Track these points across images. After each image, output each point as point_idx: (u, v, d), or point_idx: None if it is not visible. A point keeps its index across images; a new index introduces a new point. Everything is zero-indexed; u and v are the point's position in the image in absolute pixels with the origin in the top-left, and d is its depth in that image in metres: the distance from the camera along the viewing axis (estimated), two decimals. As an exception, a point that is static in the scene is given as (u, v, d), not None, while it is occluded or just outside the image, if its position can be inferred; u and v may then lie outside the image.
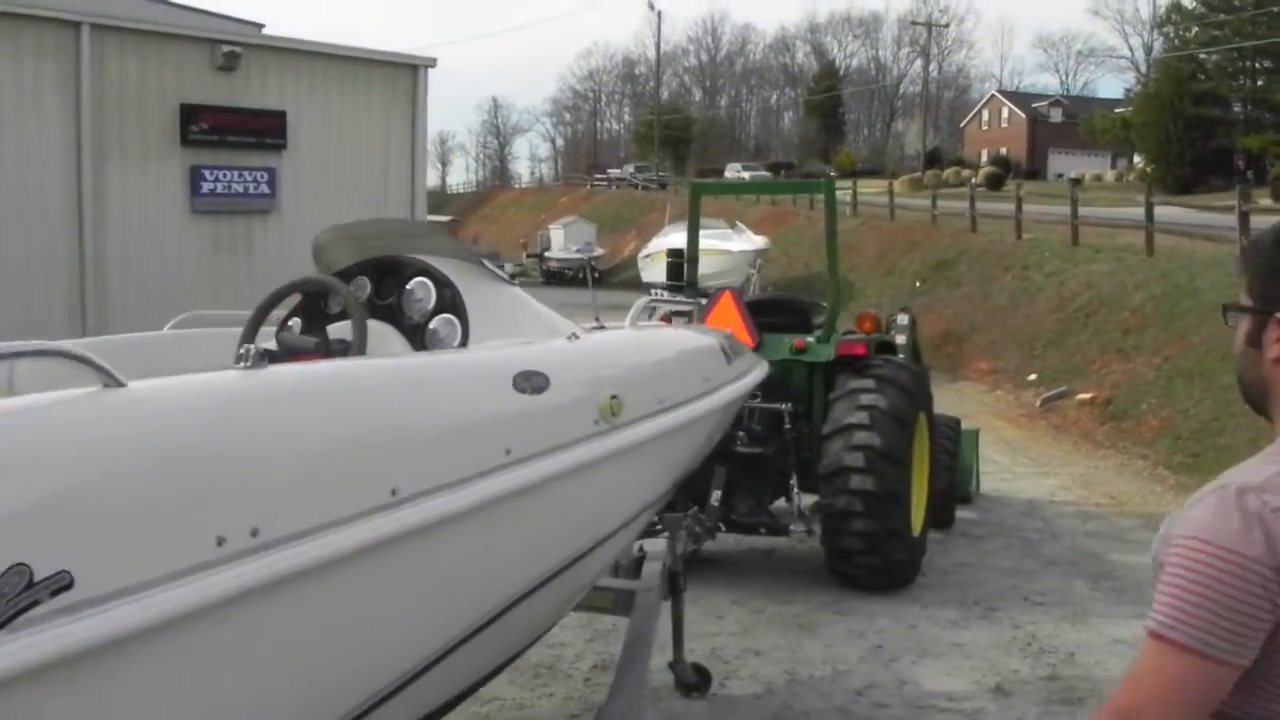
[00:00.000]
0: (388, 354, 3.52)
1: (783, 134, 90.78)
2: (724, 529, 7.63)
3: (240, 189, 22.00)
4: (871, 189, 39.11)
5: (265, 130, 22.12)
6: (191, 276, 20.05)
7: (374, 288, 3.75)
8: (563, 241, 48.76)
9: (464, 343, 3.49)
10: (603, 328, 4.15)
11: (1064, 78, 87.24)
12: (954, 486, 9.49)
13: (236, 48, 21.35)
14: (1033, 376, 17.20)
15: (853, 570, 7.67)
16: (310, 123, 22.76)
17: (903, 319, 9.53)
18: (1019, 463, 12.68)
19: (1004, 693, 6.08)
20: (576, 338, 3.56)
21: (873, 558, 7.51)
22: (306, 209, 23.02)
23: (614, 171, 67.45)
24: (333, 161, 23.23)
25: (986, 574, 8.30)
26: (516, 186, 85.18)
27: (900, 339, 9.37)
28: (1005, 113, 72.41)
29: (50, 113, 19.57)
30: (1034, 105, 71.98)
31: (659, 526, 6.68)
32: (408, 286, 3.66)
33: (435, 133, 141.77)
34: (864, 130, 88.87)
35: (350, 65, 23.41)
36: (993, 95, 76.72)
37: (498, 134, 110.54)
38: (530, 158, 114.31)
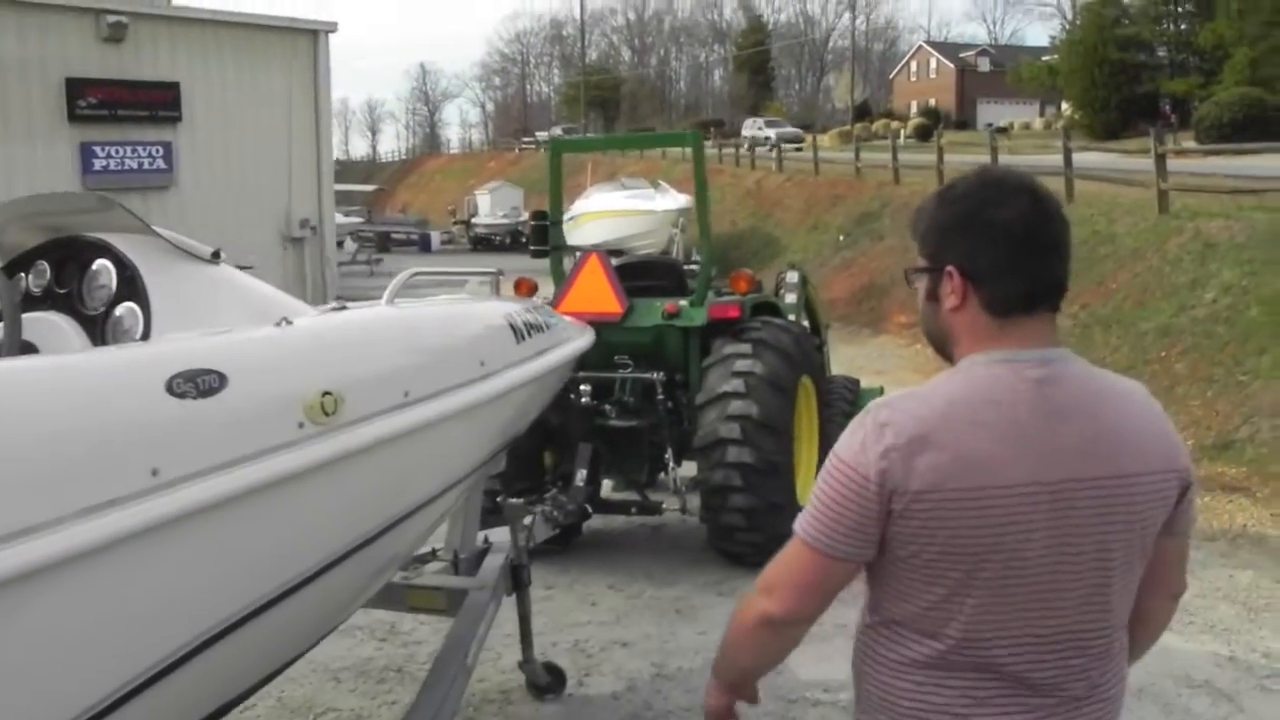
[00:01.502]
0: (63, 349, 2.96)
1: (713, 91, 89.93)
2: (591, 511, 7.10)
3: (134, 164, 21.13)
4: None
5: (158, 103, 21.27)
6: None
7: (54, 273, 3.17)
8: (489, 207, 48.16)
9: (146, 334, 2.92)
10: (344, 308, 3.58)
11: (991, 27, 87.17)
12: (853, 450, 9.02)
13: (123, 18, 20.44)
14: (951, 328, 16.83)
15: (735, 548, 7.18)
16: (206, 93, 21.93)
17: (792, 277, 9.02)
18: (932, 420, 12.26)
19: (882, 679, 5.62)
20: (289, 323, 2.99)
21: (755, 534, 7.03)
22: (206, 183, 22.20)
23: (542, 134, 66.38)
24: (232, 133, 22.37)
25: (882, 543, 7.84)
26: (446, 153, 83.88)
27: (790, 298, 8.88)
28: (934, 64, 71.98)
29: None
30: (962, 55, 71.57)
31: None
32: (91, 270, 3.08)
33: (364, 100, 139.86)
34: (795, 85, 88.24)
35: (245, 32, 22.54)
36: (920, 46, 76.27)
37: (426, 100, 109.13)
38: (461, 123, 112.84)
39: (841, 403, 9.03)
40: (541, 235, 8.21)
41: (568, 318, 5.74)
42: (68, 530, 2.16)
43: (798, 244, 27.12)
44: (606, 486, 7.95)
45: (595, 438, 7.33)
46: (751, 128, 54.44)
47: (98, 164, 20.50)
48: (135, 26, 20.82)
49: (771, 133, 49.97)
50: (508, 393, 3.82)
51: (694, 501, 7.30)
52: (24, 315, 3.05)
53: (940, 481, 1.94)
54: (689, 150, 35.22)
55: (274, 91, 22.95)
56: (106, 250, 3.06)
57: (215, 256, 3.24)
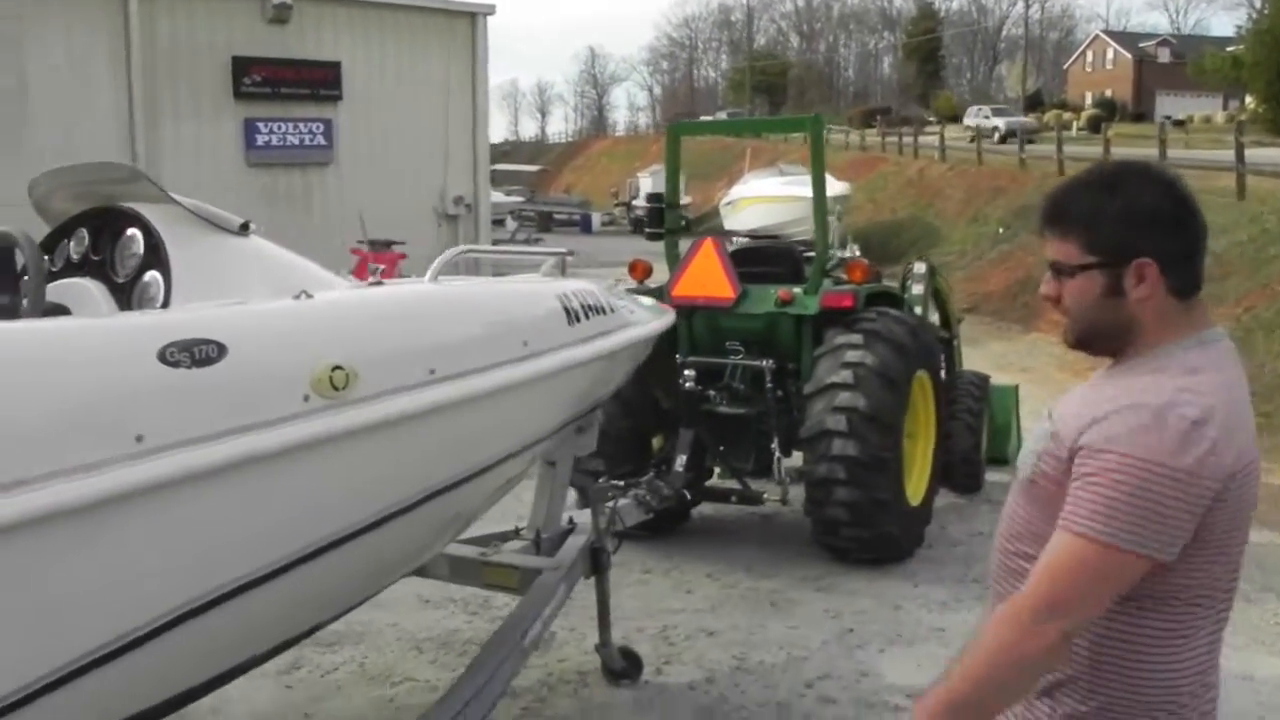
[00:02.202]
0: (92, 314, 2.98)
1: (882, 79, 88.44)
2: (689, 497, 6.98)
3: (296, 141, 21.72)
4: (961, 134, 37.54)
5: (320, 81, 21.81)
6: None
7: (91, 241, 3.21)
8: (651, 189, 48.22)
9: (166, 302, 2.92)
10: (380, 283, 3.54)
11: (1174, 16, 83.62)
12: (978, 449, 8.70)
13: (287, 0, 21.00)
14: (1106, 327, 16.19)
15: (838, 543, 6.99)
16: (366, 73, 22.40)
17: (919, 268, 8.74)
18: (1074, 421, 11.76)
19: (972, 688, 5.38)
20: (308, 297, 2.95)
21: (859, 529, 6.82)
22: (365, 160, 22.70)
23: (707, 119, 66.12)
24: (391, 112, 22.82)
25: (998, 546, 7.54)
26: (611, 135, 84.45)
27: (917, 289, 8.61)
28: (1110, 54, 69.21)
29: (101, 81, 19.46)
30: (1141, 45, 68.59)
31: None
32: (123, 239, 3.11)
33: (534, 82, 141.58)
34: (965, 74, 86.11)
35: (405, 14, 22.93)
36: (1097, 35, 73.34)
37: (595, 83, 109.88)
38: (628, 107, 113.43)
39: (968, 399, 8.74)
40: (658, 218, 8.09)
41: (647, 300, 5.64)
42: (46, 489, 2.16)
43: (956, 235, 26.46)
44: (716, 473, 7.83)
45: (701, 424, 7.21)
46: (976, 116, 48.66)
47: (260, 140, 21.13)
48: (299, 8, 21.35)
49: (1000, 122, 44.76)
50: (557, 373, 3.74)
51: (799, 493, 7.13)
52: (61, 281, 3.11)
53: (1245, 459, 2.04)
54: (849, 138, 34.65)
55: (432, 72, 23.32)
56: (138, 219, 3.08)
57: (244, 229, 3.24)
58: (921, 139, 36.57)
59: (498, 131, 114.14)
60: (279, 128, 21.41)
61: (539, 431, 4.02)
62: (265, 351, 2.66)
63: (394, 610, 6.36)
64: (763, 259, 7.75)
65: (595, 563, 5.26)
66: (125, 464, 2.27)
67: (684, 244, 7.93)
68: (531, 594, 4.73)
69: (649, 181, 48.90)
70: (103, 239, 3.17)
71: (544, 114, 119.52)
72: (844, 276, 7.63)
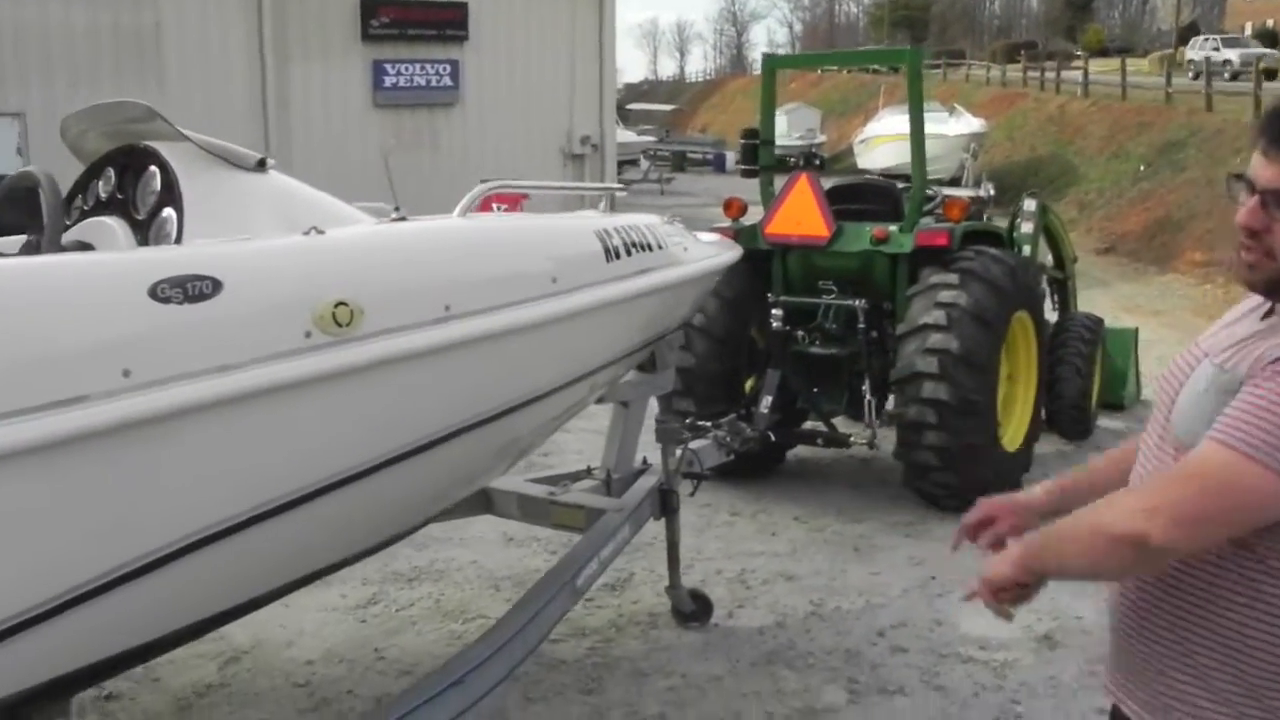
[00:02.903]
0: (113, 249, 3.00)
1: (1027, 12, 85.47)
2: (774, 439, 6.85)
3: (423, 82, 21.90)
4: (1108, 68, 36.07)
5: (446, 22, 21.91)
6: (376, 169, 20.08)
7: (117, 180, 3.24)
8: (785, 128, 47.43)
9: (179, 239, 2.92)
10: (404, 219, 3.48)
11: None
12: (1087, 395, 8.38)
13: (415, -58, 21.11)
14: (1247, 269, 15.48)
15: (929, 488, 6.80)
16: (493, 14, 22.42)
17: (1029, 205, 8.40)
18: (1203, 366, 11.26)
19: (1051, 643, 5.19)
20: (319, 233, 2.92)
21: (948, 474, 6.63)
22: (490, 100, 22.79)
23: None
24: (517, 53, 22.85)
25: (1101, 495, 7.26)
26: (750, 74, 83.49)
27: (1027, 228, 8.29)
28: (1277, -21, 65.73)
29: (232, 16, 19.83)
30: (1313, -31, 64.99)
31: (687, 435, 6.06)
32: (144, 177, 3.12)
33: (674, 21, 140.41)
34: (1118, 5, 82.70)
35: (530, -47, 22.88)
36: (1263, -40, 69.78)
37: (734, 21, 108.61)
38: (768, 44, 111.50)
39: (1079, 342, 8.43)
40: (751, 155, 7.91)
41: (709, 235, 5.51)
42: (32, 421, 2.18)
43: (1096, 173, 25.56)
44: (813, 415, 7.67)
45: (790, 365, 7.07)
46: (1203, 47, 40.99)
47: (388, 81, 21.35)
48: (426, -50, 21.50)
49: (1233, 54, 37.59)
50: (594, 310, 3.66)
51: (876, 437, 6.96)
52: (88, 220, 3.16)
53: None
54: (990, 74, 33.53)
55: (558, 11, 23.26)
56: (156, 157, 3.09)
57: (261, 165, 3.22)
58: (1067, 74, 35.28)
59: (636, 71, 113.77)
60: (406, 69, 21.60)
61: (581, 368, 3.94)
62: (264, 287, 2.64)
63: (475, 548, 6.41)
64: (860, 196, 7.53)
65: (664, 504, 5.19)
66: (112, 398, 2.27)
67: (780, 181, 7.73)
68: (591, 534, 4.70)
69: (784, 120, 48.15)
70: (127, 177, 3.19)
71: (683, 53, 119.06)
72: (944, 215, 7.38)
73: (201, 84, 19.37)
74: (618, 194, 4.68)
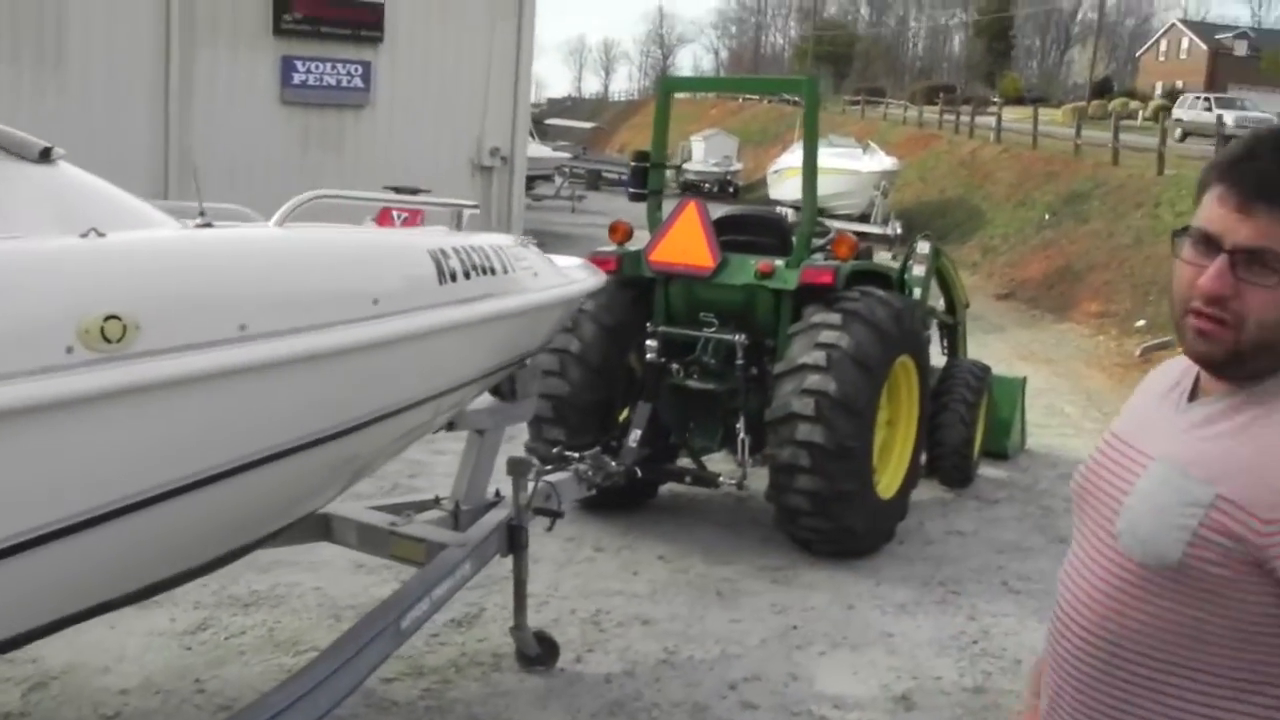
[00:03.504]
0: None
1: (950, 56, 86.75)
2: (639, 474, 6.60)
3: (333, 81, 21.40)
4: (1022, 116, 36.61)
5: (362, 22, 21.47)
6: (280, 169, 19.58)
7: None
8: (702, 154, 47.79)
9: None
10: (209, 225, 3.18)
11: (1256, 8, 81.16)
12: (970, 443, 8.26)
13: (333, -65, 20.66)
14: (1141, 323, 15.64)
15: (800, 532, 6.61)
16: (410, 18, 22.04)
17: (923, 247, 8.28)
18: (1090, 417, 11.24)
19: (908, 704, 4.99)
20: (98, 235, 2.61)
21: (819, 520, 6.43)
22: (402, 104, 22.35)
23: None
24: (432, 59, 22.45)
25: (975, 548, 7.12)
26: (678, 97, 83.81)
27: (919, 269, 8.17)
28: (1185, 43, 67.33)
29: (139, 3, 19.23)
30: (1218, 36, 66.77)
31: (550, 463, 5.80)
32: None
33: (601, 39, 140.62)
34: (1035, 57, 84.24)
35: (452, -43, 22.54)
36: (1173, 25, 71.42)
37: (661, 44, 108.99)
38: (693, 69, 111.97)
39: (964, 389, 8.31)
40: (641, 178, 7.67)
41: (571, 260, 5.26)
42: None
43: (1002, 218, 25.82)
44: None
45: (663, 398, 6.84)
46: (1194, 107, 36.91)
47: (297, 78, 20.83)
48: (344, -56, 21.04)
49: (1228, 116, 29.14)
50: (420, 336, 3.38)
51: (745, 479, 6.75)
52: None
53: None
54: (908, 114, 33.87)
55: (477, 21, 22.93)
56: None
57: (45, 155, 2.89)
58: (982, 119, 35.76)
59: (560, 86, 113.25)
60: (317, 67, 21.09)
61: (410, 395, 3.65)
62: (17, 296, 2.33)
63: (322, 574, 6.08)
64: (749, 228, 7.32)
65: (513, 541, 4.91)
66: None
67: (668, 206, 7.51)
68: (425, 571, 4.41)
69: (701, 146, 48.35)
70: None
71: (608, 71, 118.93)
72: (833, 253, 7.20)
73: (103, 64, 18.72)
74: (470, 211, 4.38)
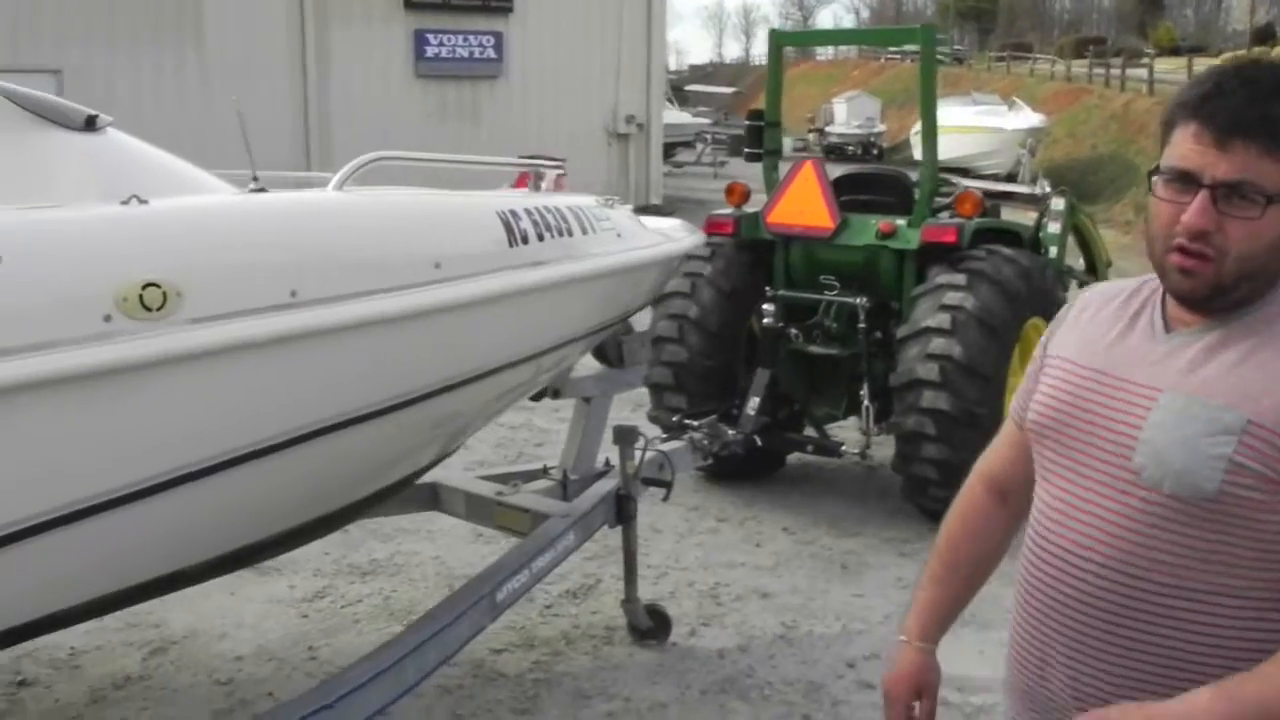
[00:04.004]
0: None
1: (1099, 7, 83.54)
2: (758, 443, 6.41)
3: (465, 53, 21.55)
4: (1176, 66, 35.08)
5: (491, -8, 21.55)
6: (416, 142, 19.77)
7: None
8: (845, 116, 47.00)
9: None
10: (262, 189, 3.10)
11: None
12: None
13: (462, -90, 20.75)
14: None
15: (927, 503, 6.35)
16: (540, -14, 22.06)
17: (1057, 204, 7.89)
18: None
19: (1035, 682, 4.75)
20: (142, 202, 2.55)
21: (949, 490, 6.12)
22: (535, 74, 22.39)
23: (909, 45, 63.70)
24: (563, 27, 22.42)
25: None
26: (813, 60, 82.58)
27: (1053, 228, 7.79)
28: (1362, -20, 63.80)
29: (273, -21, 19.59)
30: (1398, -29, 63.00)
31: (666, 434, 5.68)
32: None
33: (740, 3, 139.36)
34: (1192, 3, 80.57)
35: (580, -77, 22.46)
36: (1348, -41, 67.70)
37: (800, 5, 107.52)
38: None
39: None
40: (756, 137, 7.44)
41: (667, 221, 5.10)
42: None
43: (1155, 174, 24.75)
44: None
45: (782, 364, 6.65)
46: None
47: (430, 51, 21.02)
48: (474, -82, 21.12)
49: None
50: (484, 301, 3.25)
51: (869, 448, 6.51)
52: None
53: None
54: (1055, 68, 32.65)
55: (607, -13, 22.86)
56: None
57: (90, 123, 2.84)
58: (1134, 72, 34.35)
59: (701, 53, 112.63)
60: (449, 40, 21.24)
61: (485, 362, 3.52)
62: (52, 265, 2.29)
63: (441, 543, 6.08)
64: (871, 186, 7.06)
65: (620, 511, 4.80)
66: None
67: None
68: (525, 542, 4.32)
69: (844, 108, 47.58)
70: None
71: (748, 35, 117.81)
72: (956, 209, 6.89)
73: (240, 45, 19.12)
74: (555, 172, 4.26)
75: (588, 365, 5.43)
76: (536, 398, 5.01)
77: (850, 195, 6.88)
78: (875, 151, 44.24)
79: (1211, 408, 1.69)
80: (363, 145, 18.44)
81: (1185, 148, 1.69)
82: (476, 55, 21.57)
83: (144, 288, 2.36)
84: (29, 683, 4.62)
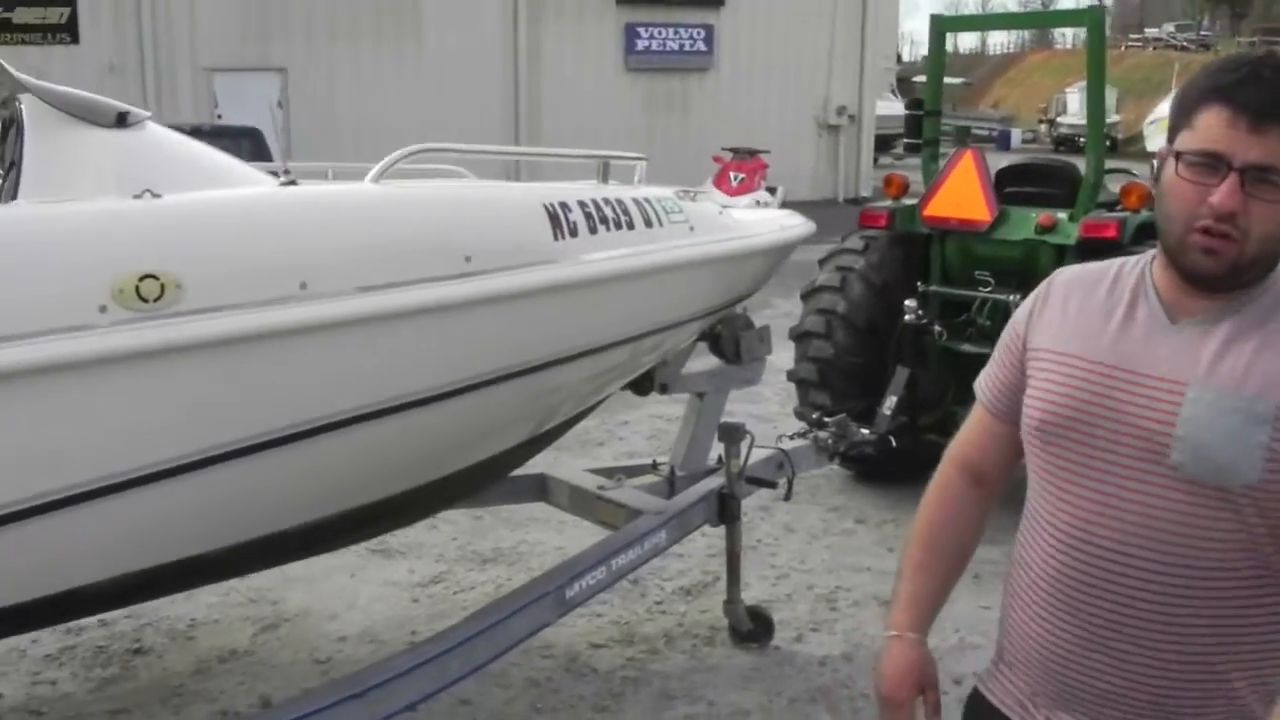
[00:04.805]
0: None
1: (1373, -12, 77.62)
2: (893, 444, 6.14)
3: (676, 46, 21.64)
4: None
5: (703, -13, 21.55)
6: (625, 134, 19.96)
7: (3, 134, 3.02)
8: (1078, 107, 45.21)
9: (14, 197, 2.66)
10: (294, 183, 3.07)
11: None
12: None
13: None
14: None
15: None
16: (752, -21, 21.95)
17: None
18: None
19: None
20: (155, 196, 2.58)
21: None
22: (745, 66, 22.32)
23: (1151, 31, 60.64)
24: (775, 19, 22.26)
25: None
26: (1052, 48, 79.53)
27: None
28: None
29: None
30: None
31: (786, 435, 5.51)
32: (9, 133, 2.90)
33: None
34: None
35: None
36: None
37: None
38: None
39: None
40: (917, 126, 7.14)
41: (766, 212, 4.90)
42: None
43: None
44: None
45: (927, 362, 6.37)
46: None
47: (640, 44, 21.18)
48: (688, -87, 21.14)
49: None
50: (526, 294, 3.16)
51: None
52: None
53: None
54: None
55: (820, -21, 22.57)
56: (19, 113, 2.86)
57: (122, 120, 2.88)
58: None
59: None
60: (659, 32, 21.36)
61: (522, 360, 3.41)
62: (49, 256, 2.36)
63: (566, 534, 6.05)
64: (1037, 178, 6.68)
65: (723, 510, 4.66)
66: None
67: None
68: (609, 538, 4.23)
69: (1076, 98, 45.81)
70: (10, 132, 2.98)
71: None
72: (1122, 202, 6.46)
73: (456, 41, 19.69)
74: (640, 164, 4.15)
75: (703, 361, 5.32)
76: (642, 392, 4.93)
77: (1015, 187, 6.55)
78: (1109, 142, 42.34)
79: (1243, 399, 1.72)
80: (572, 139, 18.77)
81: (1217, 131, 1.71)
82: (687, 48, 21.62)
83: (141, 279, 2.40)
84: (144, 651, 4.81)
